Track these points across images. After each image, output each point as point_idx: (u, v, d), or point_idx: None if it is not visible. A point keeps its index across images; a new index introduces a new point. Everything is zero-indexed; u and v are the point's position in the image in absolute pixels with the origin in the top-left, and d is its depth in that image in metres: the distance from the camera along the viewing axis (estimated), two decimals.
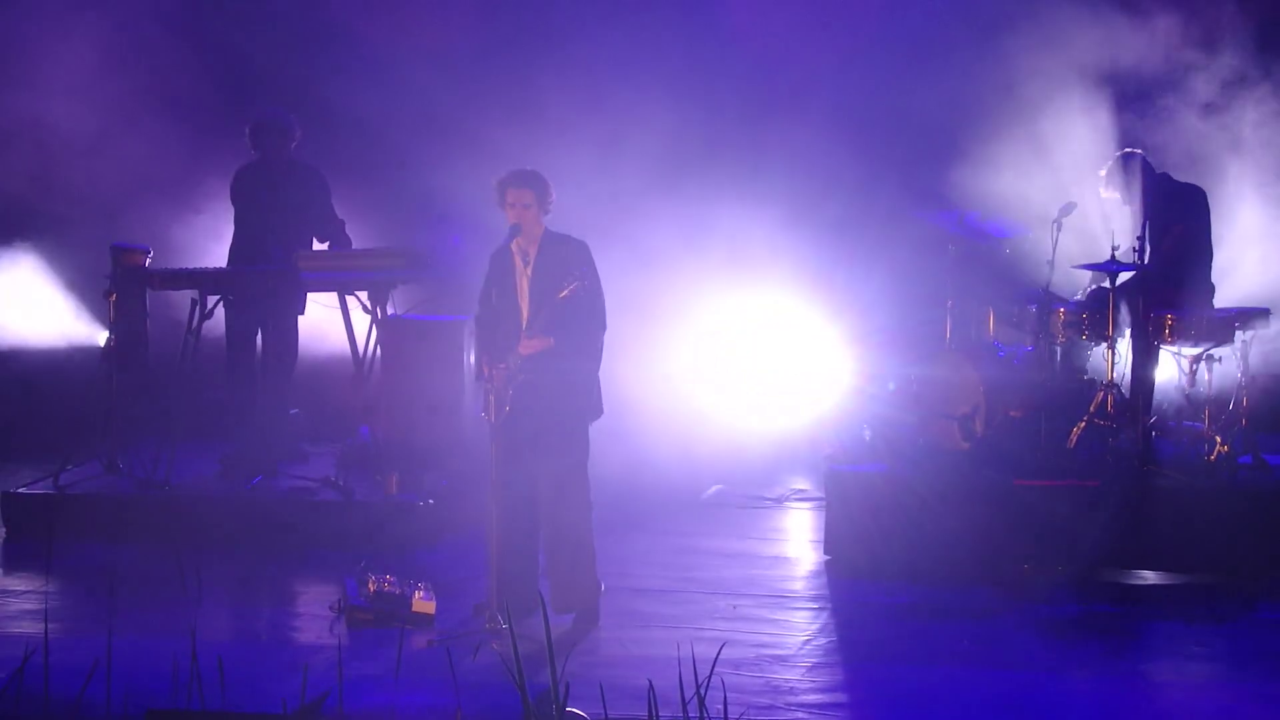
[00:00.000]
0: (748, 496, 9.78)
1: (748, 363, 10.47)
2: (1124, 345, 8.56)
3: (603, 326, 6.87)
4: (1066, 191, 9.10)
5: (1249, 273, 9.47)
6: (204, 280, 8.77)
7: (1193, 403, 8.47)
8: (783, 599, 7.83)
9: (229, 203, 9.35)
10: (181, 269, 9.01)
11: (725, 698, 5.37)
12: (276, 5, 10.95)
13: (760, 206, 10.00)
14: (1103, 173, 8.68)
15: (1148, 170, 8.57)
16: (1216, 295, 8.87)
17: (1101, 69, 10.10)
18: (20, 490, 8.90)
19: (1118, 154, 8.73)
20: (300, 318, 9.14)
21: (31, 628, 6.78)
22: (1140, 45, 10.26)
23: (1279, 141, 10.02)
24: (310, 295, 9.04)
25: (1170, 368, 8.57)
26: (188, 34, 10.93)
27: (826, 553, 8.32)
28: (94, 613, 7.15)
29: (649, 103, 10.35)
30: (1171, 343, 8.26)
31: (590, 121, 10.32)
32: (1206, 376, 8.24)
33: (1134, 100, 9.93)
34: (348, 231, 9.26)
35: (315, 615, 7.34)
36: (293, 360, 9.15)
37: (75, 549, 8.27)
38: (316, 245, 9.10)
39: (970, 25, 10.60)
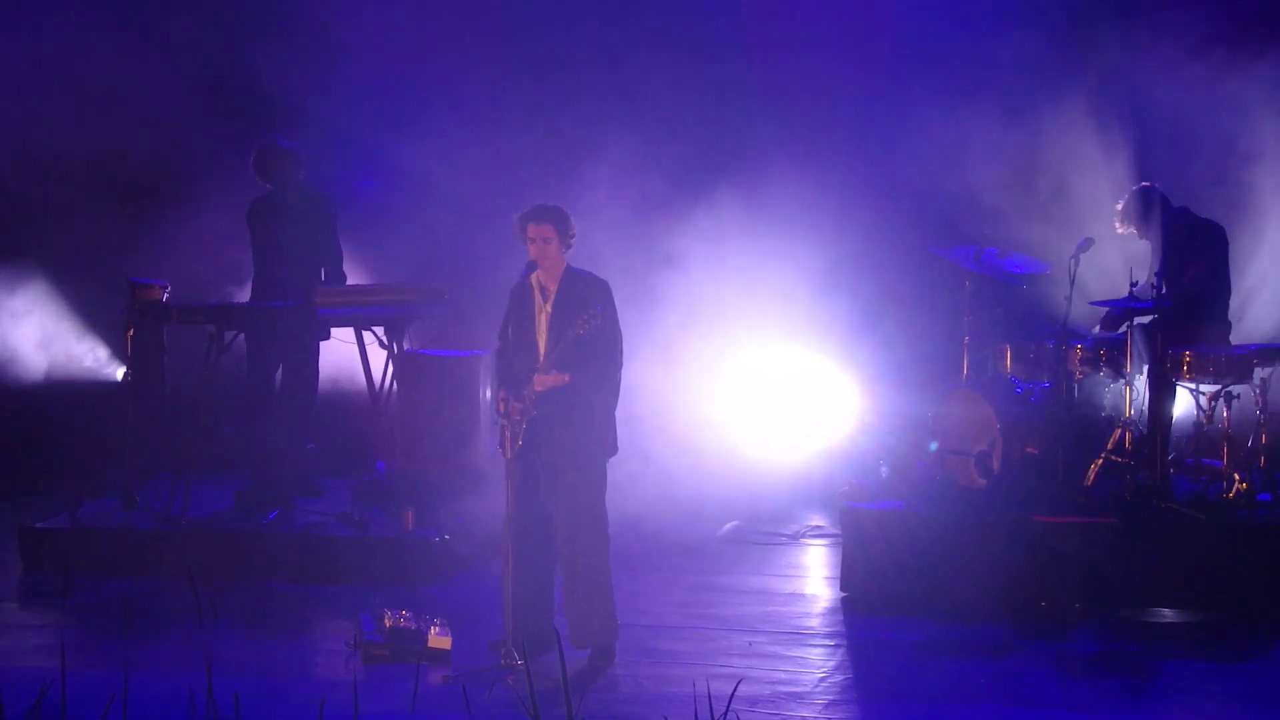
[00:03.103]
0: (764, 533, 9.75)
1: (765, 399, 10.37)
2: (1141, 381, 8.52)
3: (618, 365, 6.85)
4: (1085, 228, 9.11)
5: (1267, 305, 9.60)
6: (221, 315, 8.73)
7: (1210, 439, 8.43)
8: (799, 636, 7.78)
9: (245, 234, 9.25)
10: (199, 304, 8.98)
11: None
12: (295, 39, 10.67)
13: (777, 243, 9.96)
14: (1119, 207, 8.60)
15: (1165, 205, 8.51)
16: (1235, 330, 8.84)
17: (1120, 102, 9.94)
18: (38, 525, 8.88)
19: (1135, 188, 8.65)
20: (318, 353, 9.17)
21: (48, 662, 6.73)
22: (1160, 78, 10.22)
23: None
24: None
25: (1188, 404, 8.55)
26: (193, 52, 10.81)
27: (843, 589, 8.29)
28: (110, 647, 7.19)
29: (669, 138, 10.40)
30: (1189, 379, 8.20)
31: (609, 160, 10.13)
32: (1224, 413, 8.22)
33: (1153, 133, 9.79)
34: (351, 266, 9.17)
35: (331, 650, 7.34)
36: (311, 396, 9.14)
37: (92, 583, 8.32)
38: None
39: (988, 60, 10.55)
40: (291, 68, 10.85)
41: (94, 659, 7.11)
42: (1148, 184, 8.67)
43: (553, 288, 6.73)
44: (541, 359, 6.72)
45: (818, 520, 9.98)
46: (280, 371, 9.03)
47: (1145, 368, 8.50)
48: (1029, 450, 8.43)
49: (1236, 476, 8.25)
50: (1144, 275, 8.76)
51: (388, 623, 7.10)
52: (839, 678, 7.14)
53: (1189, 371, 8.21)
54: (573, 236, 6.86)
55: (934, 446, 9.03)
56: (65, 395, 10.49)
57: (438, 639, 7.04)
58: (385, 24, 11.18)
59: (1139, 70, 10.12)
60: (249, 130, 10.49)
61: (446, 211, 10.68)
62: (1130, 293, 8.45)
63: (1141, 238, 8.64)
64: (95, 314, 10.42)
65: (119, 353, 9.72)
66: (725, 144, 10.66)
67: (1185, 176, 9.78)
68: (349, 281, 9.30)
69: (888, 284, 10.37)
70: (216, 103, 11.07)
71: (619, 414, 7.07)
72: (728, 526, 9.99)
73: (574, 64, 11.16)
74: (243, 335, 8.89)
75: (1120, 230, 8.69)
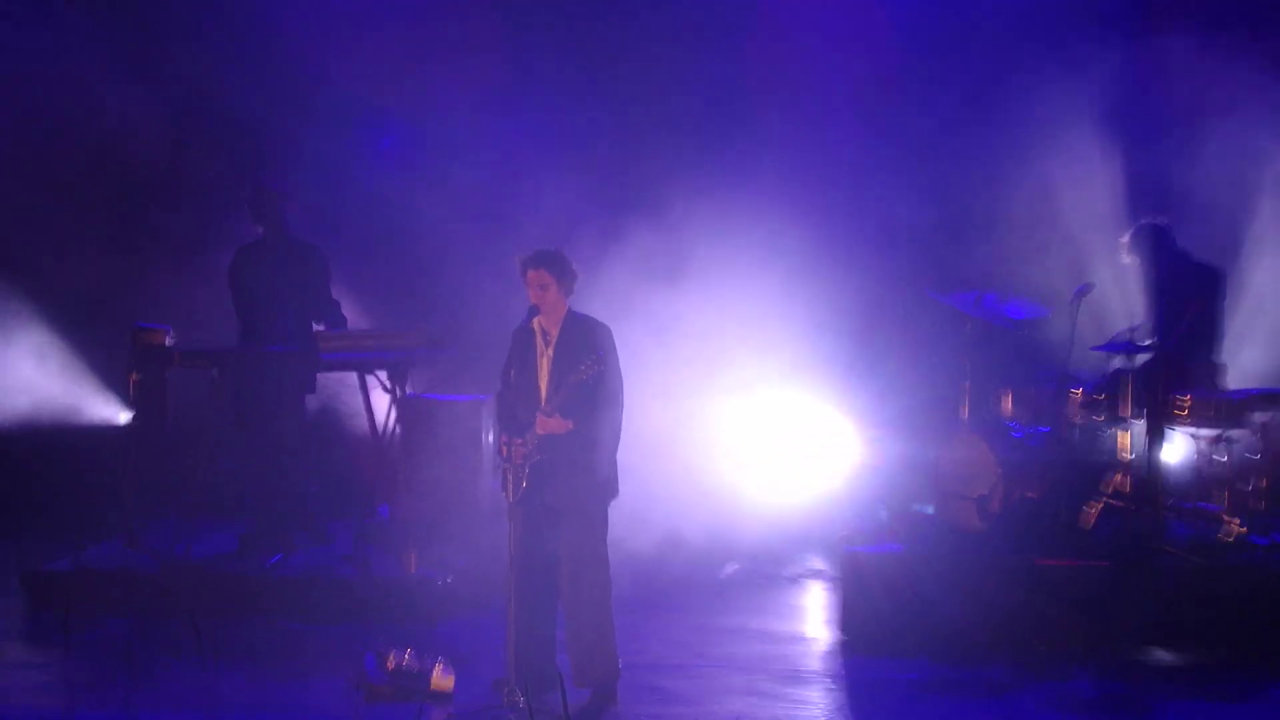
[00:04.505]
0: (765, 575, 9.87)
1: (767, 443, 10.47)
2: (1140, 426, 8.64)
3: (620, 408, 6.88)
4: (1085, 273, 9.46)
5: (1264, 346, 9.88)
6: (224, 360, 8.80)
7: (1209, 483, 8.55)
8: (798, 675, 7.80)
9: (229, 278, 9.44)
10: (202, 349, 9.02)
11: None
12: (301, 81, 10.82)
13: (779, 285, 10.02)
14: (1124, 240, 8.75)
15: (1171, 245, 8.64)
16: (1232, 369, 8.89)
17: (1121, 143, 10.11)
18: (43, 568, 8.95)
19: (1145, 222, 8.77)
20: (313, 396, 9.16)
21: (51, 702, 6.79)
22: (1159, 122, 10.17)
23: None
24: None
25: (1187, 448, 8.69)
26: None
27: (842, 631, 8.38)
28: (113, 687, 7.18)
29: (668, 180, 10.46)
30: (1188, 424, 8.32)
31: (603, 207, 10.37)
32: (1223, 457, 8.38)
33: (1154, 173, 10.04)
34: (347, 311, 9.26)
35: (334, 690, 7.35)
36: (303, 440, 9.09)
37: (95, 623, 8.35)
38: (316, 327, 9.12)
39: (987, 103, 10.64)
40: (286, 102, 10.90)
41: (97, 699, 7.06)
42: (1159, 220, 8.77)
43: (554, 332, 6.76)
44: (543, 403, 6.74)
45: (818, 563, 10.08)
46: (271, 416, 8.97)
47: (1144, 412, 8.63)
48: (1028, 494, 8.51)
49: (1235, 520, 8.36)
50: (1140, 315, 8.93)
51: (391, 663, 7.12)
52: (839, 718, 7.26)
53: (1188, 416, 8.33)
54: (573, 280, 6.86)
55: (930, 509, 9.00)
56: (68, 437, 10.43)
57: (441, 679, 7.04)
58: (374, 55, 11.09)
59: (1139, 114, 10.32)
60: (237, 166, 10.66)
61: (445, 253, 10.63)
62: (1130, 336, 8.61)
63: (1142, 272, 8.75)
64: (98, 356, 10.31)
65: (122, 396, 9.65)
66: (728, 191, 10.50)
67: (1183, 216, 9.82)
68: (350, 326, 9.36)
69: (889, 329, 10.53)
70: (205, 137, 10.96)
71: (620, 457, 7.01)
72: (729, 568, 10.03)
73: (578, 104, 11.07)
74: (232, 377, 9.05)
75: (1126, 261, 8.79)
